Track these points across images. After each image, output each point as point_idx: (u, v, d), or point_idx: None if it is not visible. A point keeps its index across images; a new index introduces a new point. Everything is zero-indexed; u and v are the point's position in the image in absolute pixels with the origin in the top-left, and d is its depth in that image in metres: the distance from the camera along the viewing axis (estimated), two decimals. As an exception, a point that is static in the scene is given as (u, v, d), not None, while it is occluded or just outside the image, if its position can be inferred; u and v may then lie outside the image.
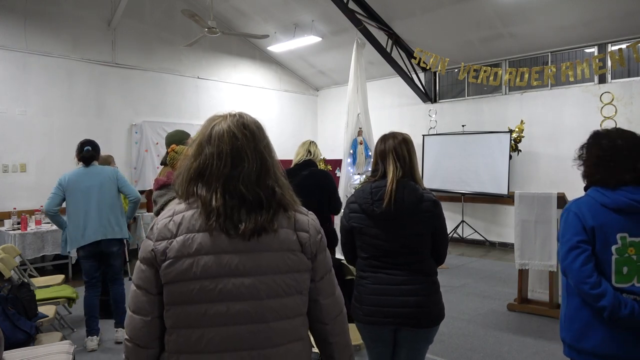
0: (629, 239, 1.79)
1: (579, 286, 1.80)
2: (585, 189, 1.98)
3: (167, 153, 3.67)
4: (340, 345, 1.40)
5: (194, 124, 8.71)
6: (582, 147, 1.98)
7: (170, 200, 2.84)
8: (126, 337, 1.28)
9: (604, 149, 1.88)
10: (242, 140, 1.28)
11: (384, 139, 2.30)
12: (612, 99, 7.34)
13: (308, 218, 1.36)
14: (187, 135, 3.78)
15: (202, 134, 1.31)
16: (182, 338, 1.23)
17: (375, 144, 2.36)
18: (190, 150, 1.32)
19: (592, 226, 1.81)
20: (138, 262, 1.28)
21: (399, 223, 2.15)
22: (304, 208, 1.38)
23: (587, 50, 7.71)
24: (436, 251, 2.24)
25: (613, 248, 1.79)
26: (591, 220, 1.82)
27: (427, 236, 2.19)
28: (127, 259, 6.52)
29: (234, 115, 1.34)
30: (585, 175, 1.95)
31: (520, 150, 8.07)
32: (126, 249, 6.43)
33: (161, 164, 3.73)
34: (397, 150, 2.23)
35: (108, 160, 5.08)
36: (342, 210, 2.38)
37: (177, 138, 3.68)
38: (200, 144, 1.30)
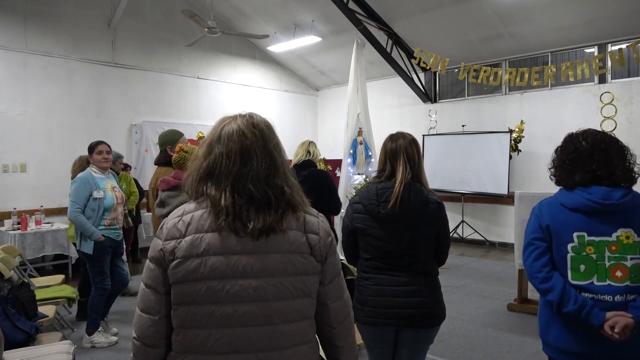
0: (587, 237, 1.82)
1: (530, 280, 1.91)
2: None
3: (161, 152, 3.67)
4: (347, 349, 1.39)
5: (194, 124, 8.73)
6: (555, 150, 2.02)
7: (183, 202, 2.83)
8: (134, 335, 1.29)
9: (568, 152, 1.93)
10: (251, 139, 1.28)
11: (394, 138, 2.26)
12: (612, 99, 7.34)
13: (318, 220, 1.34)
14: (180, 134, 3.78)
15: (213, 134, 1.32)
16: (188, 338, 1.23)
17: (382, 143, 2.31)
18: (201, 150, 1.32)
19: (547, 225, 1.88)
20: (147, 261, 1.29)
21: (403, 225, 2.14)
22: (314, 209, 1.37)
23: (587, 50, 7.72)
24: (438, 252, 2.25)
25: (569, 246, 1.83)
26: (547, 219, 1.88)
27: (431, 238, 2.19)
28: (126, 259, 6.49)
29: (244, 115, 1.34)
30: (553, 176, 2.01)
31: (520, 150, 8.07)
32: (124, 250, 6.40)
33: (155, 164, 3.73)
34: (407, 151, 2.20)
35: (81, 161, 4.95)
36: (345, 211, 2.36)
37: (170, 138, 3.68)
38: (210, 144, 1.30)
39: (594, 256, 1.80)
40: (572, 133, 1.98)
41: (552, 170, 2.01)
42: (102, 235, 4.00)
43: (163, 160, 3.56)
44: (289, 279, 1.25)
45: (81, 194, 3.97)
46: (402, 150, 2.20)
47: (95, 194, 4.00)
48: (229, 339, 1.21)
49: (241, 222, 1.23)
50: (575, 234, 1.83)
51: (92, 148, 4.21)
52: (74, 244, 4.46)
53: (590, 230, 1.81)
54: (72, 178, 5.01)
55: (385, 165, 2.23)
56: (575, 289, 1.81)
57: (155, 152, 8.13)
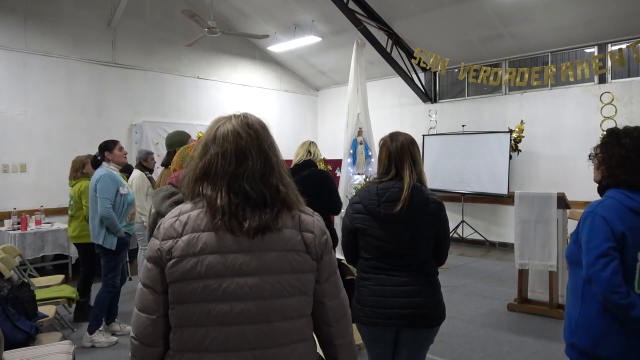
0: None
1: (608, 295, 1.67)
2: (601, 189, 1.87)
3: (168, 154, 3.70)
4: (344, 347, 1.40)
5: (194, 124, 8.73)
6: (599, 147, 1.87)
7: None
8: (132, 334, 1.30)
9: (628, 148, 1.75)
10: (246, 139, 1.30)
11: (395, 138, 2.23)
12: (612, 99, 7.34)
13: (314, 219, 1.36)
14: (188, 136, 3.83)
15: (208, 135, 1.34)
16: (186, 337, 1.24)
17: (381, 143, 2.27)
18: (197, 151, 1.33)
19: (622, 231, 1.69)
20: (145, 260, 1.31)
21: (404, 225, 2.13)
22: (309, 208, 1.38)
23: (587, 50, 7.72)
24: (438, 252, 2.24)
25: (639, 254, 1.70)
26: (620, 225, 1.70)
27: (431, 238, 2.18)
28: (128, 259, 6.50)
29: (239, 115, 1.35)
30: (607, 176, 1.82)
31: (520, 150, 8.07)
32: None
33: (162, 165, 3.76)
34: (412, 152, 2.19)
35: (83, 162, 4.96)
36: (345, 210, 2.35)
37: (179, 139, 3.72)
38: (205, 144, 1.32)
39: None
40: (616, 129, 1.83)
41: (609, 170, 1.80)
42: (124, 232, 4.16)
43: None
44: (285, 277, 1.26)
45: (111, 191, 4.06)
46: (407, 153, 2.18)
47: (121, 190, 4.13)
48: (226, 337, 1.22)
49: (237, 221, 1.24)
50: None
51: (111, 145, 4.23)
52: (74, 244, 4.47)
53: None
54: (71, 178, 5.01)
55: (390, 168, 2.19)
56: None
57: (155, 152, 8.11)
